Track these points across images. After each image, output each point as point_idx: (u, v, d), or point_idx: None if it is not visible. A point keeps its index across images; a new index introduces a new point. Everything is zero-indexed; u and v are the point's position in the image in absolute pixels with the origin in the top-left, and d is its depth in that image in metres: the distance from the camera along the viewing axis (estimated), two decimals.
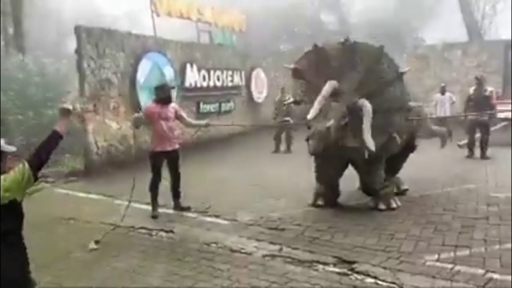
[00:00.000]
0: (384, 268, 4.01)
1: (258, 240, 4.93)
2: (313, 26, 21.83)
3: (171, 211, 6.20)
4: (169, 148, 6.06)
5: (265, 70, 15.73)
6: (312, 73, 5.44)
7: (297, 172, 7.82)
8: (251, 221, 5.58)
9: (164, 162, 6.11)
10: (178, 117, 6.24)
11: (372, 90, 5.08)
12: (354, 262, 4.15)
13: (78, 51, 9.49)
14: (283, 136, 11.28)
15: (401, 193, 6.42)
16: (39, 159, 2.63)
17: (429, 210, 5.62)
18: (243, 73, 14.50)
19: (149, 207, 6.17)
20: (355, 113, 5.02)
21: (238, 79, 14.32)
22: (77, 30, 9.46)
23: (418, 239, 4.63)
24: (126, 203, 6.70)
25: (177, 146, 6.18)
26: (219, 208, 6.19)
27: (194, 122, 6.53)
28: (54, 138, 2.70)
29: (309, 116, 5.01)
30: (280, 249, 4.61)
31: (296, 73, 5.82)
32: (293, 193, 6.81)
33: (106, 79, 9.91)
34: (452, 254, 4.20)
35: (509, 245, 4.30)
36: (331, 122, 4.89)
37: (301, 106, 5.81)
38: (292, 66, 5.85)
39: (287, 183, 7.49)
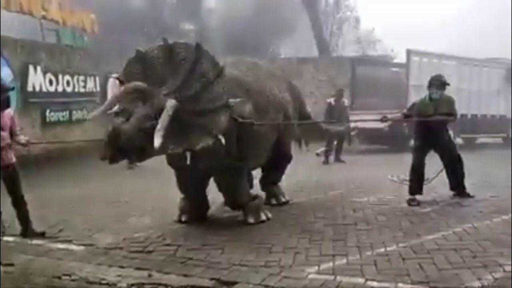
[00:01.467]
0: (267, 286, 3.70)
1: (121, 267, 4.23)
2: (171, 32, 21.34)
3: (10, 238, 5.08)
4: (3, 163, 4.90)
5: None
6: (149, 72, 4.78)
7: (158, 187, 7.21)
8: (111, 244, 4.82)
9: None
10: (10, 128, 5.01)
11: (193, 92, 4.62)
12: (234, 283, 3.77)
13: None
14: None
15: (279, 203, 6.24)
16: None
17: (301, 219, 5.54)
18: (97, 78, 13.27)
19: None
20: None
21: (92, 85, 13.05)
22: None
23: (296, 250, 4.45)
24: None
25: (13, 159, 5.03)
26: (72, 231, 5.29)
27: (23, 140, 5.16)
28: None
29: (89, 116, 4.48)
30: (149, 276, 4.00)
31: (124, 83, 4.95)
32: (158, 209, 6.19)
33: None
34: (331, 264, 4.09)
35: (381, 250, 4.37)
36: (119, 121, 4.37)
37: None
38: (117, 75, 5.14)
39: (149, 198, 6.82)
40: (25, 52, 10.70)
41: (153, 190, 7.31)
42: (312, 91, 16.90)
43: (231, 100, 4.66)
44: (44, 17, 12.02)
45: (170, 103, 4.36)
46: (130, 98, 4.63)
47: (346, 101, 10.70)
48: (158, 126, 4.19)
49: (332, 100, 10.58)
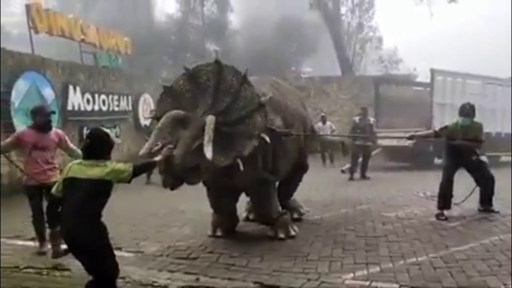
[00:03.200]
0: None
1: (170, 271, 4.60)
2: (197, 54, 22.08)
3: (63, 246, 5.51)
4: (46, 181, 5.04)
5: (152, 96, 15.33)
6: (180, 102, 5.07)
7: (189, 200, 7.53)
8: (158, 252, 5.21)
9: (43, 195, 5.08)
10: (61, 145, 5.34)
11: (225, 105, 4.88)
12: (276, 287, 4.08)
13: None
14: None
15: (300, 216, 6.50)
16: (138, 171, 3.70)
17: (333, 231, 5.83)
18: (130, 97, 13.92)
19: (35, 244, 5.43)
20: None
21: (124, 104, 13.70)
22: None
23: (331, 259, 4.75)
24: (5, 240, 5.87)
25: (58, 177, 5.11)
26: (120, 239, 5.67)
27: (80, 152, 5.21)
28: (151, 166, 4.15)
29: (141, 152, 4.64)
30: (197, 279, 4.35)
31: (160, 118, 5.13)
32: (193, 221, 6.55)
33: None
34: (365, 271, 4.37)
35: (412, 260, 4.64)
36: (168, 150, 4.35)
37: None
38: (153, 115, 5.31)
39: (185, 211, 7.19)
40: (66, 73, 11.37)
41: (184, 203, 7.61)
42: (335, 109, 17.31)
43: (262, 99, 4.95)
44: (83, 41, 12.73)
45: (210, 118, 4.67)
46: (171, 127, 4.89)
47: (372, 119, 10.93)
48: (205, 140, 4.48)
49: (357, 118, 10.85)
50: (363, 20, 22.68)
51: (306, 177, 7.08)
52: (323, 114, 14.20)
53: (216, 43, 23.58)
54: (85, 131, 11.94)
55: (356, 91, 17.66)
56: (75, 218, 3.45)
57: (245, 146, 4.78)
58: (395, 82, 16.54)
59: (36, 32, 10.94)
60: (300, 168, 6.51)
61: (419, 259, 4.67)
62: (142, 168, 3.78)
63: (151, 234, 5.96)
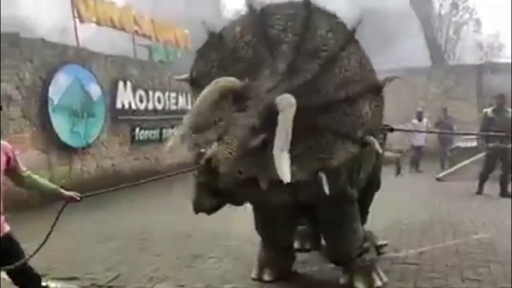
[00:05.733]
0: None
1: None
2: None
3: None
4: None
5: None
6: (232, 60, 3.26)
7: (232, 220, 5.68)
8: None
9: None
10: (9, 169, 2.85)
11: (309, 76, 2.98)
12: None
13: None
14: None
15: (379, 252, 4.34)
16: None
17: (444, 280, 3.80)
18: (189, 95, 12.60)
19: None
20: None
21: (183, 102, 12.39)
22: None
23: None
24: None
25: (6, 228, 2.84)
26: (128, 278, 4.11)
27: (42, 182, 3.04)
28: None
29: (168, 145, 2.86)
30: None
31: (196, 84, 3.42)
32: (236, 251, 4.76)
33: (5, 96, 7.75)
34: None
35: None
36: (213, 147, 2.74)
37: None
38: (184, 76, 3.51)
39: (222, 237, 5.33)
40: (116, 68, 10.27)
41: (224, 224, 5.66)
42: (424, 104, 14.73)
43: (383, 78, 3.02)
44: (136, 32, 11.60)
45: (286, 100, 2.74)
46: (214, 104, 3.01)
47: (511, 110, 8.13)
48: (277, 144, 2.62)
49: (489, 110, 8.11)
50: (457, 0, 19.67)
51: (389, 191, 5.11)
52: (419, 109, 12.21)
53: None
54: (138, 132, 10.81)
55: (450, 82, 15.05)
56: None
57: (335, 151, 2.87)
58: (504, 70, 13.68)
59: (82, 21, 9.87)
60: (372, 185, 4.38)
61: None
62: None
63: (174, 271, 4.30)
